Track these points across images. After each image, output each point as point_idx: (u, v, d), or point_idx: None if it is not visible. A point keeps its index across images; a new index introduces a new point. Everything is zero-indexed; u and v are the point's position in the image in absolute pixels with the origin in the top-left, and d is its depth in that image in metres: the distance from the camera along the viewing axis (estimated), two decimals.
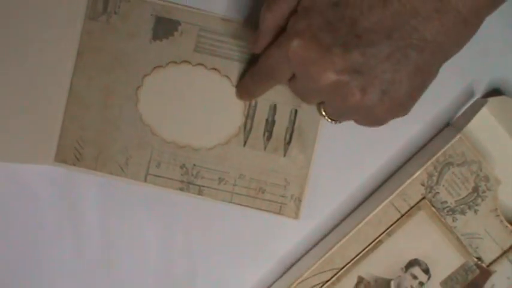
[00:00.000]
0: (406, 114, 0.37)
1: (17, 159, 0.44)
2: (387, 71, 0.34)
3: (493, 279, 0.45)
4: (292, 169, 0.46)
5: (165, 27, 0.45)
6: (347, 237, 0.44)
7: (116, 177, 0.46)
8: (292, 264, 0.48)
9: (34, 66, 0.43)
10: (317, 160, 0.46)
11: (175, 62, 0.45)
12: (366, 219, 0.44)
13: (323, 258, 0.44)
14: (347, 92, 0.35)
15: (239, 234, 0.47)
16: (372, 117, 0.37)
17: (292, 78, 0.39)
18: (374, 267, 0.44)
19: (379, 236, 0.44)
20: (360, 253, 0.44)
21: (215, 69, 0.45)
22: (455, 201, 0.44)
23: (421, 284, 0.45)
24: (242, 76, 0.45)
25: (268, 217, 0.46)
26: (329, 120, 0.42)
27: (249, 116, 0.45)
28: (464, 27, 0.34)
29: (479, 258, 0.45)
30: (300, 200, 0.46)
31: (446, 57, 0.36)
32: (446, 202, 0.44)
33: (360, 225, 0.44)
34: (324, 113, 0.41)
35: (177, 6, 0.45)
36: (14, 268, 0.47)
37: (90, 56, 0.45)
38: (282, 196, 0.46)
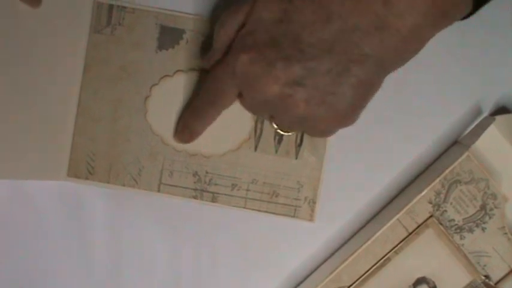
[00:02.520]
0: (352, 124, 0.38)
1: (30, 176, 0.44)
2: (329, 83, 0.36)
3: None
4: (305, 171, 0.46)
5: (170, 36, 0.45)
6: (354, 254, 0.44)
7: (129, 189, 0.46)
8: (300, 282, 0.47)
9: (42, 83, 0.43)
10: (329, 161, 0.46)
11: (183, 71, 0.45)
12: (374, 237, 0.44)
13: (330, 276, 0.44)
14: (291, 104, 0.37)
15: (251, 244, 0.47)
16: (318, 128, 0.39)
17: (240, 95, 0.40)
18: (381, 285, 0.44)
19: (387, 254, 0.44)
20: (367, 271, 0.44)
21: None
22: (463, 219, 0.44)
23: None
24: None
25: (282, 223, 0.46)
26: (281, 132, 0.43)
27: (259, 120, 0.45)
28: (404, 45, 0.35)
29: (487, 276, 0.44)
30: (314, 202, 0.46)
31: (388, 70, 0.37)
32: (454, 220, 0.44)
33: (368, 243, 0.44)
34: (274, 126, 0.43)
35: (182, 14, 0.44)
36: (24, 283, 0.47)
37: (97, 69, 0.45)
38: (296, 199, 0.46)
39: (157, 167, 0.45)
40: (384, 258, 0.44)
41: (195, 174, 0.46)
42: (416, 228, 0.44)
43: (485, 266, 0.44)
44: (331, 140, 0.46)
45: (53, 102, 0.44)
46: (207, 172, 0.46)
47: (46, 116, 0.44)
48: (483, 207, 0.44)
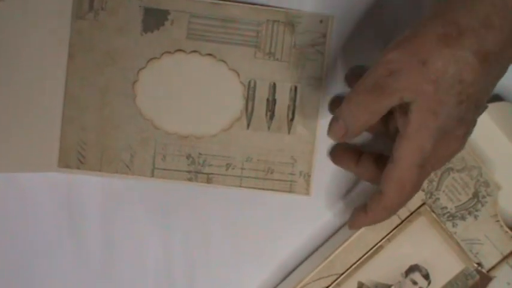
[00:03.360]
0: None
1: (20, 169, 0.43)
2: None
3: (493, 285, 0.44)
4: (298, 146, 0.46)
5: (154, 17, 0.44)
6: (347, 242, 0.44)
7: (122, 176, 0.45)
8: (293, 270, 0.47)
9: (26, 73, 0.42)
10: (322, 134, 0.46)
11: (169, 52, 0.44)
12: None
13: (323, 264, 0.44)
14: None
15: (243, 231, 0.46)
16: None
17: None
18: (374, 272, 0.44)
19: (380, 241, 0.44)
20: (360, 259, 0.44)
21: (210, 54, 0.45)
22: (456, 206, 0.44)
23: None
24: (238, 58, 0.45)
25: (277, 203, 0.46)
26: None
27: (250, 98, 0.45)
28: None
29: (479, 264, 0.44)
30: (309, 176, 0.46)
31: None
32: (446, 208, 0.44)
33: (360, 231, 0.44)
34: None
35: None
36: (15, 276, 0.46)
37: (82, 56, 0.44)
38: (291, 174, 0.46)
39: (150, 152, 0.45)
40: (377, 246, 0.44)
41: (189, 156, 0.45)
42: (409, 215, 0.44)
43: (477, 253, 0.44)
44: (322, 112, 0.46)
45: (39, 92, 0.43)
46: (200, 153, 0.45)
47: (33, 107, 0.43)
48: (475, 194, 0.44)
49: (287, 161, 0.46)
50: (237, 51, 0.45)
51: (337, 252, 0.44)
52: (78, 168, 0.45)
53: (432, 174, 0.43)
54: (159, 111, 0.45)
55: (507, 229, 0.44)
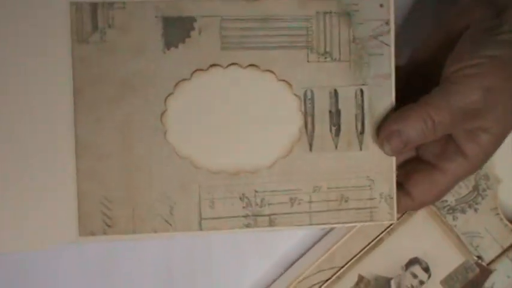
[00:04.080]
0: None
1: (31, 246, 0.33)
2: None
3: (493, 278, 0.45)
4: (374, 163, 0.37)
5: (177, 28, 0.35)
6: (347, 235, 0.44)
7: (162, 235, 0.35)
8: (293, 263, 0.46)
9: (24, 125, 0.32)
10: None
11: (202, 70, 0.35)
12: None
13: (323, 257, 0.43)
14: None
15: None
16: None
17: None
18: (374, 265, 0.44)
19: (380, 234, 0.44)
20: (360, 251, 0.44)
21: (253, 65, 0.35)
22: (456, 200, 0.45)
23: (422, 282, 0.45)
24: (288, 66, 0.36)
25: None
26: None
27: (308, 113, 0.36)
28: None
29: (479, 257, 0.45)
30: (391, 198, 0.37)
31: None
32: (446, 201, 0.45)
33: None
34: None
35: None
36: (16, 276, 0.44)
37: (91, 90, 0.34)
38: (370, 199, 0.37)
39: (193, 200, 0.35)
40: (377, 239, 0.44)
41: (243, 197, 0.36)
42: None
43: (477, 246, 0.45)
44: None
45: (43, 145, 0.33)
46: (256, 191, 0.36)
47: (38, 167, 0.33)
48: (476, 188, 0.45)
49: (363, 184, 0.37)
50: (285, 56, 0.36)
51: (337, 245, 0.44)
52: (105, 233, 0.35)
53: None
54: (198, 146, 0.35)
55: (507, 222, 0.45)
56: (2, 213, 0.32)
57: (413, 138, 0.35)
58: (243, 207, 0.36)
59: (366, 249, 0.44)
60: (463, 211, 0.45)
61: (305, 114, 0.36)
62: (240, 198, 0.36)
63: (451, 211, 0.45)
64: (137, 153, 0.35)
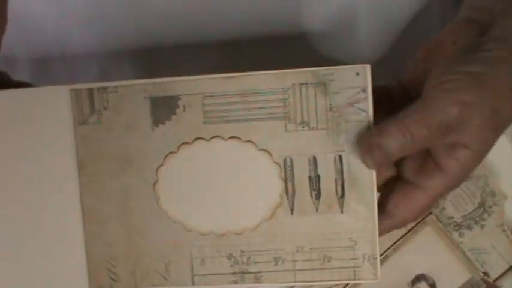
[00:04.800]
0: None
1: None
2: None
3: None
4: (356, 225, 0.38)
5: (164, 107, 0.38)
6: None
7: None
8: None
9: (38, 198, 0.38)
10: None
11: (188, 143, 0.38)
12: None
13: None
14: None
15: None
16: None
17: None
18: (381, 282, 0.42)
19: (386, 250, 0.45)
20: None
21: (234, 137, 0.38)
22: (462, 216, 0.45)
23: None
24: (267, 136, 0.38)
25: None
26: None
27: (288, 179, 0.38)
28: None
29: (485, 273, 0.45)
30: (375, 258, 0.38)
31: None
32: (453, 217, 0.45)
33: None
34: None
35: (171, 79, 0.38)
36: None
37: (93, 165, 0.39)
38: (353, 259, 0.38)
39: (186, 258, 0.39)
40: (383, 256, 0.44)
41: (230, 256, 0.39)
42: (415, 225, 0.45)
43: (484, 263, 0.45)
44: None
45: (54, 215, 0.39)
46: (242, 251, 0.39)
47: (51, 231, 0.39)
48: (482, 204, 0.45)
49: (346, 245, 0.38)
50: (264, 127, 0.38)
51: None
52: (112, 287, 0.40)
53: None
54: (188, 211, 0.39)
55: None
56: (22, 276, 0.37)
57: (393, 151, 0.35)
58: (231, 266, 0.39)
59: None
60: (469, 227, 0.45)
61: (285, 180, 0.38)
62: (228, 257, 0.39)
63: (457, 228, 0.45)
64: (135, 218, 0.39)
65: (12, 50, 0.39)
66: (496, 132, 0.35)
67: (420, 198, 0.38)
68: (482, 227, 0.45)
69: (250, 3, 0.45)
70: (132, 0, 0.45)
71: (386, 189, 0.39)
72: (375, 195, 0.38)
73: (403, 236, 0.44)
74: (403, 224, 0.39)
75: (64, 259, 0.39)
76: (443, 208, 0.44)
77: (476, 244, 0.45)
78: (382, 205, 0.39)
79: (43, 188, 0.39)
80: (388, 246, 0.44)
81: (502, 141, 0.44)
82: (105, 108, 0.39)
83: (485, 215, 0.45)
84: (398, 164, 0.39)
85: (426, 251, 0.44)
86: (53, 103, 0.38)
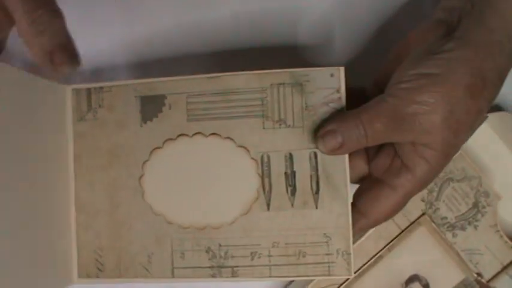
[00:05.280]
0: None
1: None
2: None
3: None
4: (330, 220, 0.39)
5: (151, 105, 0.41)
6: None
7: (142, 280, 0.41)
8: (292, 280, 0.46)
9: (35, 190, 0.41)
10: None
11: (172, 139, 0.41)
12: (366, 234, 0.45)
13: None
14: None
15: None
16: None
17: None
18: (374, 282, 0.45)
19: (379, 251, 0.45)
20: (360, 268, 0.45)
21: (215, 133, 0.40)
22: (456, 216, 0.45)
23: None
24: (245, 133, 0.40)
25: None
26: None
27: (265, 175, 0.40)
28: None
29: (479, 274, 0.45)
30: (348, 254, 0.38)
31: None
32: (446, 218, 0.45)
33: (360, 240, 0.45)
34: None
35: (158, 79, 0.41)
36: None
37: (86, 157, 0.42)
38: (327, 254, 0.39)
39: (167, 251, 0.41)
40: (376, 256, 0.45)
41: (208, 250, 0.40)
42: (409, 225, 0.45)
43: (477, 263, 0.45)
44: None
45: (49, 205, 0.41)
46: (220, 245, 0.40)
47: (44, 223, 0.41)
48: (475, 204, 0.45)
49: (320, 240, 0.39)
50: (243, 125, 0.40)
51: None
52: (98, 276, 0.41)
53: (432, 184, 0.45)
54: (170, 205, 0.41)
55: (507, 239, 0.45)
56: (17, 262, 0.40)
57: (347, 141, 0.37)
58: (209, 259, 0.40)
59: (365, 265, 0.45)
60: (462, 228, 0.45)
61: (262, 176, 0.40)
62: (206, 251, 0.40)
63: (450, 228, 0.45)
64: (121, 211, 0.41)
65: (6, 46, 0.42)
66: (456, 133, 0.36)
67: (390, 197, 0.38)
68: (475, 227, 0.45)
69: (244, 15, 0.48)
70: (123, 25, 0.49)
71: (358, 188, 0.40)
72: (349, 192, 0.39)
73: (396, 237, 0.45)
74: (376, 224, 0.39)
75: (56, 247, 0.42)
76: (437, 208, 0.45)
77: (469, 245, 0.45)
78: (354, 205, 0.39)
79: (39, 178, 0.41)
80: (381, 247, 0.45)
81: (495, 142, 0.45)
82: (100, 106, 0.42)
83: (479, 216, 0.45)
84: (370, 162, 0.40)
85: (419, 251, 0.45)
86: (55, 99, 0.42)
